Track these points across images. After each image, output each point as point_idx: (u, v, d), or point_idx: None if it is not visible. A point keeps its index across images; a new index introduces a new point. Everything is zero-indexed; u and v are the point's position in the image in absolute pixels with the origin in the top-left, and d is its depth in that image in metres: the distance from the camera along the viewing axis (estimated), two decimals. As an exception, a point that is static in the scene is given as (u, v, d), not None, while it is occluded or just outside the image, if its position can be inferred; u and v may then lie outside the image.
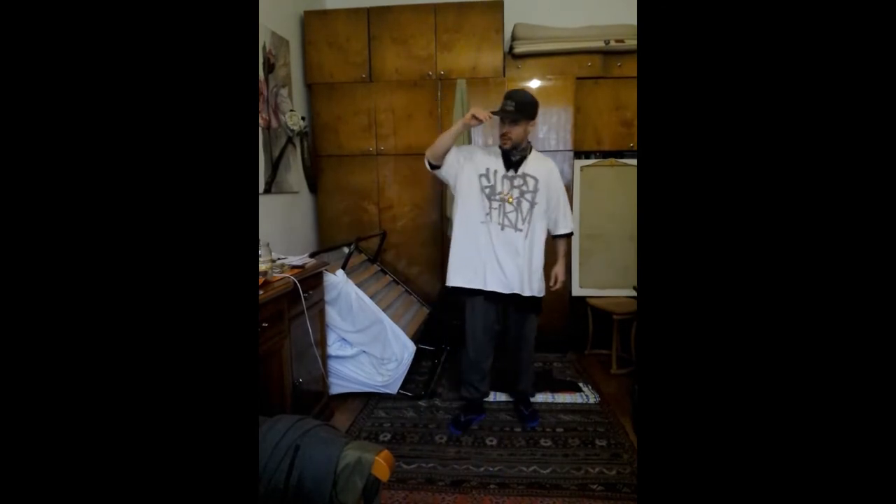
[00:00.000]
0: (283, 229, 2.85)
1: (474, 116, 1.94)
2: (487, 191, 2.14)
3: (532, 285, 2.18)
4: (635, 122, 3.14)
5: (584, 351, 3.26)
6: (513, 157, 2.14)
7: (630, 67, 3.11)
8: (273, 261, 2.06)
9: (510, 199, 2.12)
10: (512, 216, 2.13)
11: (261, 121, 2.58)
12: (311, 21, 3.14)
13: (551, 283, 2.27)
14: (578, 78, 3.09)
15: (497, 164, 2.15)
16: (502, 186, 2.13)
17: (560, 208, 2.24)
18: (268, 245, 2.04)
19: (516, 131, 2.06)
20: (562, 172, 3.08)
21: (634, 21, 2.94)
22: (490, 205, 2.14)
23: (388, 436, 2.25)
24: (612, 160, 3.25)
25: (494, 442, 2.17)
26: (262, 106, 2.60)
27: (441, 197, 3.14)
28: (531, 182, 2.13)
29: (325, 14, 3.20)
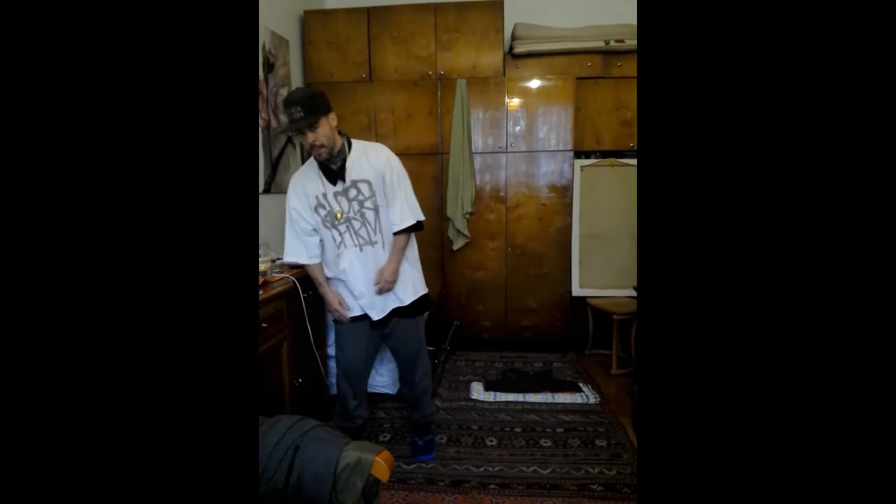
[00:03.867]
0: (282, 229, 2.83)
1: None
2: (329, 219, 1.83)
3: (406, 291, 1.95)
4: (635, 122, 3.14)
5: (584, 351, 3.25)
6: (333, 166, 1.80)
7: (630, 67, 3.11)
8: (272, 261, 2.07)
9: (338, 215, 1.83)
10: (363, 232, 1.85)
11: (260, 121, 2.58)
12: (311, 21, 3.13)
13: (375, 282, 1.88)
14: (579, 78, 3.08)
15: (321, 184, 1.83)
16: (338, 205, 1.82)
17: (398, 199, 1.87)
18: (267, 245, 2.04)
19: (323, 135, 1.71)
20: (562, 172, 3.11)
21: (635, 21, 2.94)
22: (338, 232, 1.84)
23: (388, 436, 2.25)
24: (613, 160, 3.25)
25: (494, 442, 2.17)
26: (261, 106, 2.59)
27: (441, 197, 3.14)
28: (364, 187, 1.82)
29: (324, 14, 3.20)
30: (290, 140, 2.88)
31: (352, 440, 1.19)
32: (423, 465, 1.99)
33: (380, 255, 1.88)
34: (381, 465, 1.10)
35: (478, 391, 2.65)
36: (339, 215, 1.83)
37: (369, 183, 1.83)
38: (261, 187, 2.59)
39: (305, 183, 1.86)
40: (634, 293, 2.89)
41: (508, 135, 3.12)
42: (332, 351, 2.48)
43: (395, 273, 1.89)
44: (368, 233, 1.85)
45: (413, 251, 2.02)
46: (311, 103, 1.70)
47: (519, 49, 3.13)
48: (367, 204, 1.84)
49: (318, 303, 2.15)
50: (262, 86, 2.60)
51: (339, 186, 1.82)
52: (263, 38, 2.61)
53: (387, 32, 3.09)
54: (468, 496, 1.79)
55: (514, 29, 3.20)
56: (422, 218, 1.95)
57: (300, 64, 3.16)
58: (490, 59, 3.08)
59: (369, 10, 3.09)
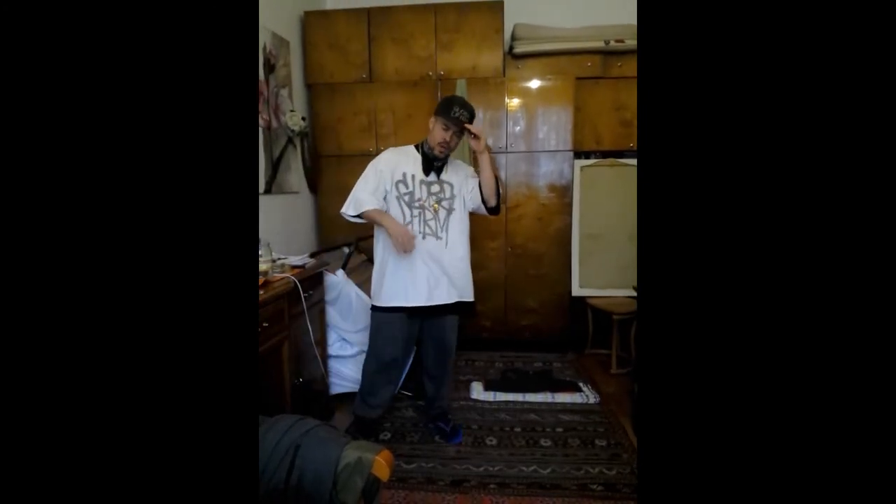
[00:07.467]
0: (283, 229, 2.85)
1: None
2: (407, 198, 2.01)
3: (451, 291, 2.07)
4: (635, 122, 3.14)
5: (583, 351, 3.26)
6: (436, 163, 2.03)
7: (630, 67, 3.11)
8: (273, 261, 2.07)
9: (435, 207, 2.01)
10: (432, 224, 2.03)
11: (261, 121, 2.58)
12: (312, 21, 3.14)
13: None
14: (578, 78, 3.09)
15: (415, 167, 2.03)
16: (421, 192, 2.01)
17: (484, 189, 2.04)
18: (268, 245, 2.05)
19: (456, 141, 1.98)
20: (561, 172, 3.12)
21: (634, 21, 2.94)
22: (410, 213, 2.01)
23: (389, 435, 2.25)
24: (612, 160, 3.25)
25: (494, 442, 2.17)
26: (262, 106, 2.60)
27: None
28: (447, 188, 2.04)
29: (325, 14, 3.20)
30: (290, 141, 2.89)
31: (352, 439, 1.19)
32: (423, 464, 2.00)
33: (440, 252, 2.03)
34: (381, 464, 1.10)
35: (478, 391, 2.66)
36: (428, 202, 2.01)
37: (452, 185, 2.05)
38: (262, 188, 2.60)
39: (400, 158, 2.04)
40: (634, 293, 2.90)
41: (508, 135, 3.12)
42: (332, 351, 2.49)
43: (490, 167, 1.99)
44: (437, 227, 2.03)
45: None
46: (473, 113, 1.95)
47: (519, 49, 3.14)
48: (444, 203, 2.04)
49: (318, 302, 2.14)
50: (263, 86, 2.60)
51: (431, 177, 2.03)
52: (264, 38, 2.62)
53: (387, 33, 3.10)
54: (468, 496, 1.79)
55: (514, 29, 3.21)
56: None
57: (301, 65, 3.17)
58: (490, 60, 3.08)
59: (369, 11, 3.10)
